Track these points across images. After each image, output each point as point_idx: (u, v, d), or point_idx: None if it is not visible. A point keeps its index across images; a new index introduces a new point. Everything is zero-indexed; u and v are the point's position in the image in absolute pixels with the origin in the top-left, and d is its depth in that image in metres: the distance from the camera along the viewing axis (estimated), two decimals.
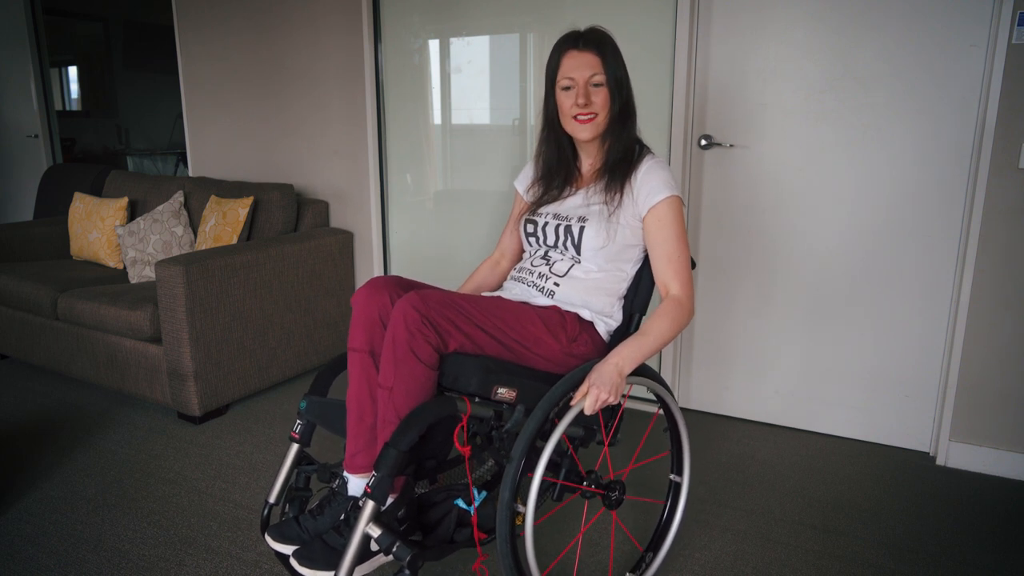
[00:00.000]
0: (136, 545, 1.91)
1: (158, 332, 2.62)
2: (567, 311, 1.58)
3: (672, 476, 1.76)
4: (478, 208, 3.06)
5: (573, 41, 1.57)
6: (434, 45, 3.01)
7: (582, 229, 1.59)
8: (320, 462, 1.61)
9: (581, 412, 1.40)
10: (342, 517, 1.44)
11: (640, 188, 1.56)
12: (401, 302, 1.37)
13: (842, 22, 2.30)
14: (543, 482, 1.36)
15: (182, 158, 5.72)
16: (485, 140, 2.99)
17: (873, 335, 2.45)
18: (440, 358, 1.40)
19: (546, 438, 1.38)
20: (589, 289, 1.60)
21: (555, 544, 1.90)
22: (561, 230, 1.62)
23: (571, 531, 1.97)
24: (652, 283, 1.63)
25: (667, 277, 1.55)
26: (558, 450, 1.47)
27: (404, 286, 1.52)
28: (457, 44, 2.96)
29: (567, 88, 1.58)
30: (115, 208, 3.31)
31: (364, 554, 1.32)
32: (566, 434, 1.51)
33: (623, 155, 1.60)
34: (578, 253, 1.61)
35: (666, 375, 2.75)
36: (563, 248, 1.63)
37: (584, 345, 1.56)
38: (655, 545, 1.77)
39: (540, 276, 1.63)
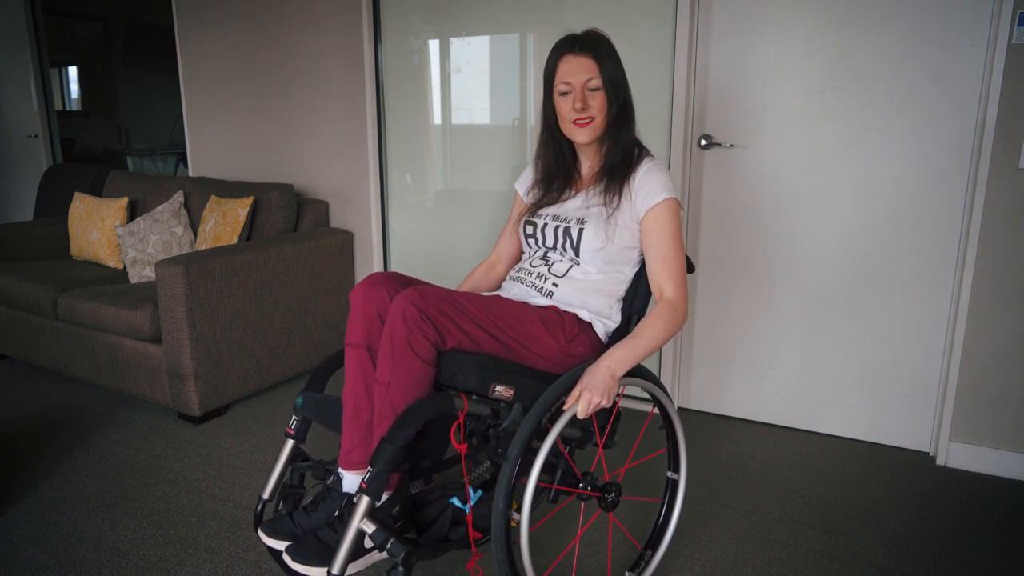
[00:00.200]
0: (136, 545, 1.91)
1: (158, 332, 2.62)
2: (565, 311, 1.58)
3: (669, 474, 1.76)
4: (478, 208, 3.06)
5: (569, 45, 1.57)
6: (434, 45, 3.02)
7: (581, 231, 1.59)
8: (315, 459, 1.61)
9: (575, 415, 1.40)
10: (336, 514, 1.43)
11: (638, 190, 1.57)
12: (400, 298, 1.37)
13: (842, 22, 2.30)
14: (538, 486, 1.35)
15: (182, 158, 5.72)
16: (485, 140, 2.99)
17: (873, 335, 2.45)
18: (438, 355, 1.40)
19: (542, 437, 1.38)
20: (587, 290, 1.60)
21: (553, 545, 1.90)
22: (560, 232, 1.63)
23: (569, 532, 1.97)
24: None
25: (661, 280, 1.55)
26: (553, 452, 1.47)
27: (403, 282, 1.52)
28: (457, 44, 2.96)
29: (564, 93, 1.58)
30: (115, 208, 3.31)
31: (358, 550, 1.31)
32: (563, 435, 1.51)
33: (622, 157, 1.60)
34: (577, 255, 1.61)
35: (666, 375, 2.75)
36: (562, 250, 1.63)
37: (582, 345, 1.56)
38: (654, 543, 1.77)
39: (539, 276, 1.64)
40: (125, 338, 2.71)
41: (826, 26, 2.32)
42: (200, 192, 3.28)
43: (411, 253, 3.28)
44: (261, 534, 1.45)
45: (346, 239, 3.23)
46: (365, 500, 1.27)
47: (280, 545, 1.42)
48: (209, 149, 3.73)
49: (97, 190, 3.78)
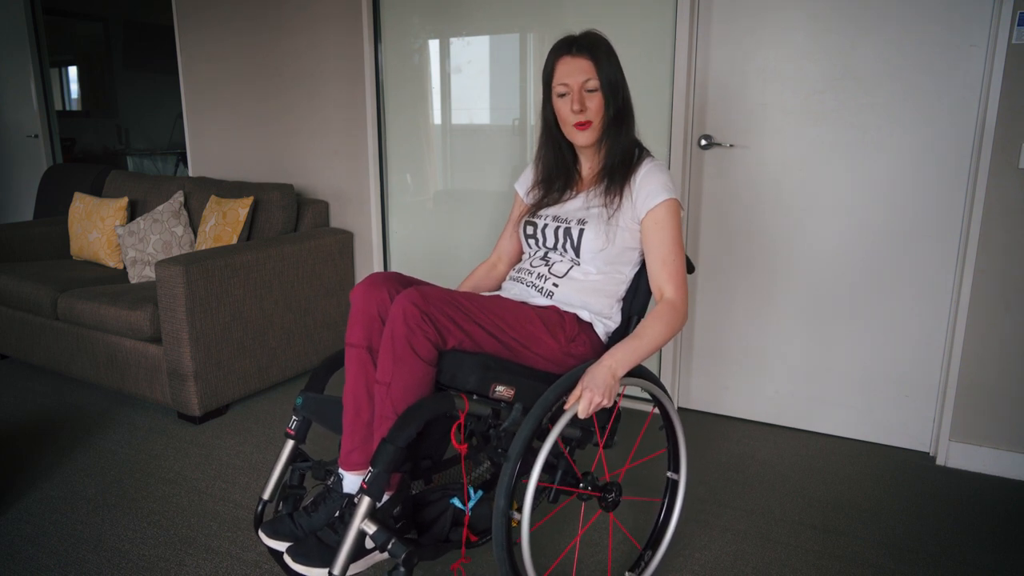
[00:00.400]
0: (136, 545, 1.91)
1: (158, 332, 2.62)
2: (566, 311, 1.58)
3: (669, 474, 1.76)
4: (478, 208, 3.06)
5: (567, 46, 1.57)
6: (434, 45, 3.02)
7: (581, 232, 1.59)
8: (315, 459, 1.61)
9: (576, 414, 1.40)
10: (336, 514, 1.43)
11: (639, 191, 1.57)
12: (400, 298, 1.37)
13: (842, 23, 2.30)
14: (539, 486, 1.35)
15: (182, 158, 5.72)
16: (485, 140, 2.99)
17: (873, 335, 2.45)
18: (439, 355, 1.40)
19: (543, 437, 1.38)
20: (588, 290, 1.60)
21: (554, 545, 1.90)
22: (560, 232, 1.63)
23: (569, 532, 1.97)
24: None
25: (662, 280, 1.55)
26: (554, 451, 1.47)
27: (403, 282, 1.52)
28: (457, 44, 2.96)
29: (562, 94, 1.58)
30: (115, 208, 3.31)
31: (359, 551, 1.31)
32: (563, 435, 1.51)
33: (622, 158, 1.61)
34: (577, 256, 1.61)
35: (666, 375, 2.75)
36: (562, 250, 1.63)
37: (582, 345, 1.56)
38: (654, 543, 1.77)
39: (539, 276, 1.64)
40: (125, 338, 2.71)
41: (826, 26, 2.32)
42: (200, 192, 3.28)
43: (411, 253, 3.28)
44: (262, 535, 1.45)
45: (346, 239, 3.23)
46: (366, 501, 1.27)
47: (281, 546, 1.42)
48: (209, 149, 3.73)
49: (97, 190, 3.78)
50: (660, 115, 2.58)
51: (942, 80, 2.21)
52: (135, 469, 2.33)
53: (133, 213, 3.42)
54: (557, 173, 1.70)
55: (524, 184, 1.80)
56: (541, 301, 1.60)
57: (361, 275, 3.34)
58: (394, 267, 3.33)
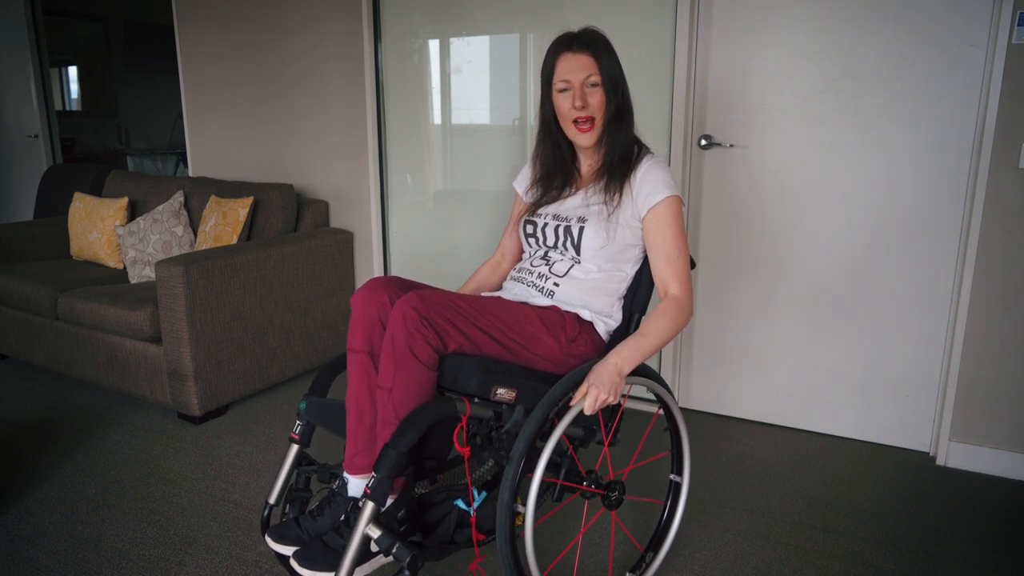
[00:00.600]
0: (136, 545, 1.91)
1: (158, 332, 2.62)
2: (566, 311, 1.58)
3: (672, 476, 1.76)
4: (478, 208, 3.06)
5: (567, 43, 1.57)
6: (434, 45, 3.01)
7: (581, 229, 1.59)
8: (320, 463, 1.61)
9: (581, 412, 1.40)
10: (342, 518, 1.44)
11: (639, 188, 1.56)
12: (400, 303, 1.37)
13: (842, 23, 2.30)
14: (543, 482, 1.36)
15: (182, 158, 5.72)
16: (485, 140, 2.99)
17: (873, 335, 2.45)
18: (439, 359, 1.40)
19: (546, 438, 1.38)
20: (589, 289, 1.60)
21: (555, 544, 1.90)
22: (561, 231, 1.62)
23: (571, 531, 1.97)
24: (652, 283, 1.63)
25: (666, 277, 1.55)
26: (558, 450, 1.47)
27: (403, 286, 1.52)
28: (457, 44, 2.96)
29: (563, 90, 1.58)
30: (115, 208, 3.31)
31: (364, 555, 1.32)
32: (566, 434, 1.51)
33: (622, 155, 1.60)
34: (578, 253, 1.60)
35: (666, 375, 2.75)
36: (563, 249, 1.63)
37: (583, 345, 1.56)
38: (655, 545, 1.77)
39: (540, 276, 1.63)
40: (125, 338, 2.71)
41: (826, 26, 2.32)
42: (200, 192, 3.28)
43: (411, 253, 3.27)
44: (269, 540, 1.46)
45: (346, 239, 3.23)
46: (370, 506, 1.28)
47: (287, 550, 1.42)
48: (209, 149, 3.73)
49: (97, 190, 3.78)
50: (660, 115, 2.58)
51: (942, 80, 2.21)
52: (135, 469, 2.33)
53: (133, 213, 3.42)
54: (556, 170, 1.69)
55: (523, 182, 1.80)
56: (542, 301, 1.60)
57: (361, 275, 3.34)
58: (394, 267, 3.33)
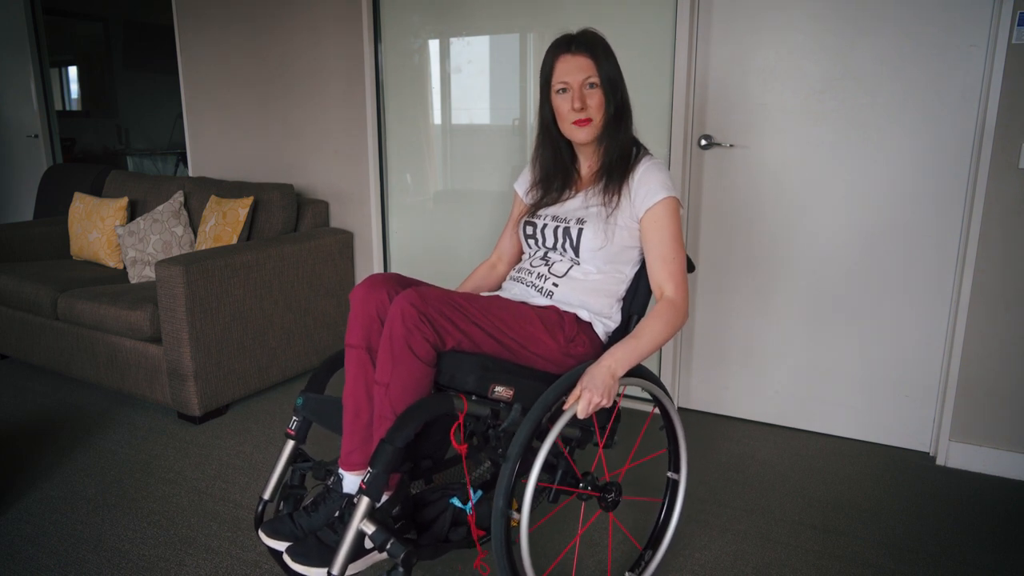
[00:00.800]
0: (136, 545, 1.91)
1: (158, 332, 2.62)
2: (565, 311, 1.58)
3: (669, 474, 1.76)
4: (478, 208, 3.06)
5: (566, 44, 1.57)
6: (434, 45, 3.02)
7: (580, 231, 1.59)
8: (315, 459, 1.61)
9: (575, 414, 1.40)
10: (336, 514, 1.44)
11: (637, 190, 1.57)
12: (399, 299, 1.37)
13: (842, 23, 2.30)
14: (538, 487, 1.35)
15: (182, 158, 5.72)
16: (485, 140, 2.99)
17: (873, 335, 2.45)
18: (437, 355, 1.40)
19: (543, 438, 1.38)
20: (588, 290, 1.60)
21: (554, 544, 1.90)
22: (560, 232, 1.63)
23: (569, 532, 1.97)
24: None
25: (662, 279, 1.55)
26: (554, 452, 1.46)
27: (403, 283, 1.52)
28: (457, 44, 2.96)
29: (562, 91, 1.58)
30: (115, 208, 3.32)
31: (358, 551, 1.32)
32: (563, 435, 1.51)
33: (620, 156, 1.60)
34: (577, 255, 1.61)
35: (666, 375, 2.75)
36: (562, 250, 1.63)
37: (582, 345, 1.56)
38: (654, 543, 1.77)
39: (539, 276, 1.64)
40: (125, 338, 2.71)
41: (826, 26, 2.32)
42: (200, 192, 3.28)
43: (411, 253, 3.27)
44: (262, 534, 1.45)
45: (346, 239, 3.23)
46: (365, 501, 1.27)
47: (280, 546, 1.42)
48: (209, 149, 3.73)
49: (97, 190, 3.78)
50: (660, 115, 2.58)
51: (942, 80, 2.21)
52: (135, 469, 2.33)
53: (133, 213, 3.42)
54: (555, 172, 1.70)
55: (523, 184, 1.80)
56: (541, 301, 1.60)
57: (361, 275, 3.34)
58: (394, 266, 3.33)
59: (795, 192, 2.47)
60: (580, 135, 1.59)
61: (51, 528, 1.99)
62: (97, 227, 3.32)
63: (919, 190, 2.30)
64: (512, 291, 1.67)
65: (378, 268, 3.31)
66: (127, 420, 2.70)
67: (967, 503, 2.13)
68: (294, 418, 1.60)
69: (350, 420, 1.49)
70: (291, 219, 3.12)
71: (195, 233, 3.21)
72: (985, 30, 2.13)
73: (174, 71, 3.75)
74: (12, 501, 2.13)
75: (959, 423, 2.32)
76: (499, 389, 1.43)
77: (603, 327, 1.62)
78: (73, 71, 6.04)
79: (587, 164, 1.69)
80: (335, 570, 1.27)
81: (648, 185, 1.55)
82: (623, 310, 1.66)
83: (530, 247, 1.71)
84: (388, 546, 1.27)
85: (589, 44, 1.56)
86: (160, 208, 3.16)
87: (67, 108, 6.08)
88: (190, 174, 3.80)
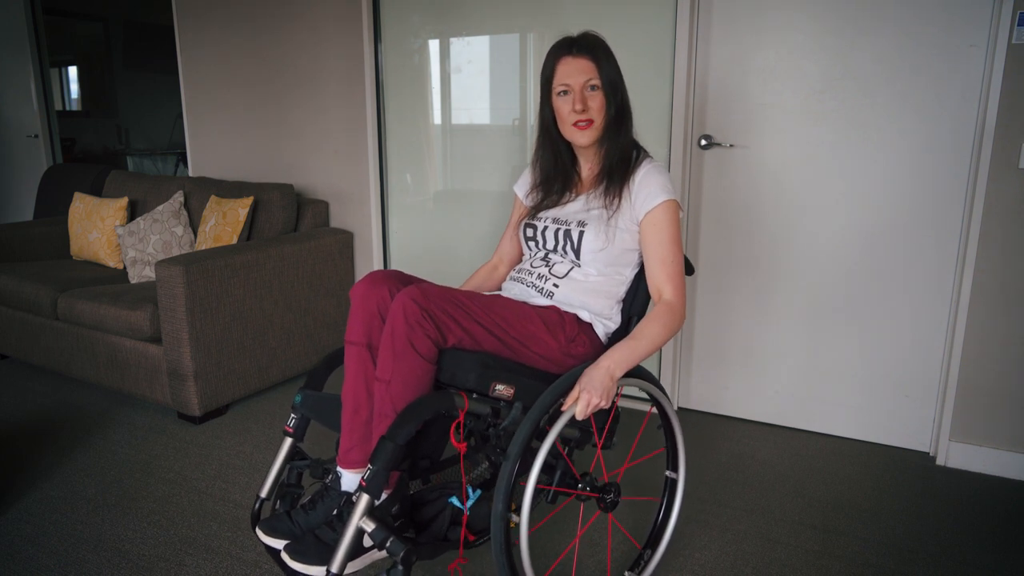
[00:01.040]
0: (136, 545, 1.91)
1: (158, 332, 2.62)
2: (566, 311, 1.58)
3: (668, 473, 1.76)
4: (478, 208, 3.06)
5: (567, 47, 1.58)
6: (434, 45, 3.02)
7: (581, 234, 1.59)
8: (313, 457, 1.61)
9: (574, 415, 1.40)
10: (335, 512, 1.43)
11: (637, 192, 1.57)
12: (401, 295, 1.37)
13: (842, 23, 2.30)
14: (537, 489, 1.35)
15: (182, 158, 5.72)
16: (485, 140, 2.99)
17: (873, 335, 2.45)
18: (439, 353, 1.40)
19: (542, 437, 1.38)
20: (588, 291, 1.60)
21: (553, 545, 1.90)
22: (560, 234, 1.63)
23: (569, 532, 1.97)
24: None
25: (660, 281, 1.55)
26: (552, 453, 1.46)
27: (404, 280, 1.52)
28: (457, 44, 2.96)
29: (563, 94, 1.58)
30: (115, 208, 3.32)
31: (357, 549, 1.31)
32: (562, 435, 1.51)
33: (621, 159, 1.61)
34: (577, 257, 1.61)
35: (666, 375, 2.75)
36: (563, 252, 1.63)
37: (582, 346, 1.56)
38: (653, 542, 1.77)
39: (539, 277, 1.64)
40: (125, 338, 2.71)
41: (826, 27, 2.32)
42: (200, 192, 3.28)
43: (411, 253, 3.28)
44: (259, 532, 1.45)
45: (346, 239, 3.23)
46: (365, 498, 1.27)
47: (278, 544, 1.41)
48: (209, 149, 3.73)
49: (97, 190, 3.78)
50: (660, 115, 2.58)
51: (942, 80, 2.21)
52: (135, 469, 2.33)
53: (133, 213, 3.42)
54: (555, 174, 1.70)
55: (523, 186, 1.80)
56: (541, 301, 1.60)
57: (361, 275, 3.34)
58: (394, 266, 3.33)
59: (795, 192, 2.47)
60: (581, 137, 1.59)
61: (51, 528, 1.99)
62: (97, 227, 3.32)
63: (919, 190, 2.30)
64: (512, 291, 1.67)
65: (378, 268, 3.31)
66: (127, 420, 2.70)
67: (967, 503, 2.13)
68: (292, 415, 1.59)
69: (349, 417, 1.49)
70: (291, 219, 3.12)
71: (195, 233, 3.21)
72: (985, 30, 2.13)
73: (174, 71, 3.75)
74: (12, 501, 2.13)
75: (959, 423, 2.32)
76: (500, 387, 1.43)
77: (603, 328, 1.62)
78: (73, 71, 6.04)
79: (587, 167, 1.69)
80: (334, 568, 1.27)
81: (648, 188, 1.56)
82: (623, 311, 1.66)
83: (530, 249, 1.71)
84: (388, 544, 1.26)
85: (590, 46, 1.56)
86: (160, 208, 3.16)
87: (67, 108, 6.08)
88: (190, 174, 3.80)
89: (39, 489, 2.20)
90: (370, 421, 1.47)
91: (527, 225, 1.70)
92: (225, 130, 3.64)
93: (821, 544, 1.92)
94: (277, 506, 1.60)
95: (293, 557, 1.34)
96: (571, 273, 1.61)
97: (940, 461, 2.36)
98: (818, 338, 2.53)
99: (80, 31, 5.95)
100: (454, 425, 1.37)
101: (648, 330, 1.49)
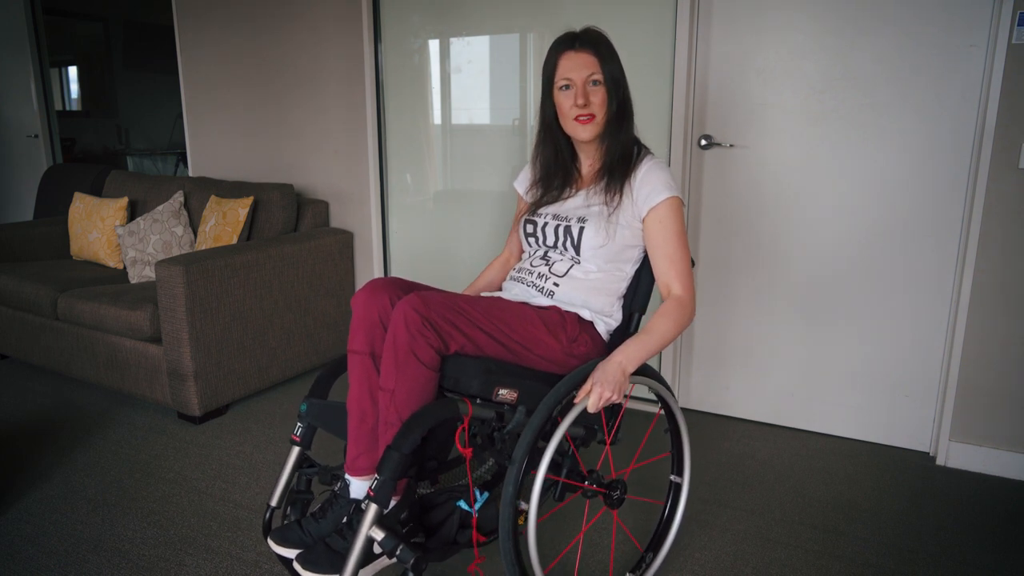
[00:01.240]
0: (136, 545, 1.91)
1: (158, 332, 2.62)
2: (567, 311, 1.58)
3: (672, 477, 1.76)
4: (478, 208, 3.06)
5: (570, 42, 1.58)
6: (434, 45, 3.01)
7: (581, 230, 1.59)
8: (321, 465, 1.61)
9: (583, 411, 1.40)
10: (344, 520, 1.44)
11: (640, 189, 1.57)
12: (402, 304, 1.37)
13: (842, 23, 2.30)
14: (545, 481, 1.36)
15: (182, 158, 5.72)
16: (485, 140, 2.99)
17: (873, 335, 2.45)
18: (441, 360, 1.40)
19: (548, 438, 1.38)
20: (588, 289, 1.60)
21: (556, 543, 1.90)
22: (560, 230, 1.63)
23: (572, 530, 1.97)
24: (651, 282, 1.63)
25: (669, 277, 1.55)
26: (560, 449, 1.47)
27: (404, 288, 1.52)
28: (457, 44, 2.96)
29: (565, 88, 1.58)
30: (115, 208, 3.31)
31: (367, 557, 1.32)
32: (568, 433, 1.51)
33: (622, 155, 1.61)
34: (577, 253, 1.61)
35: (666, 375, 2.75)
36: (562, 248, 1.63)
37: (584, 345, 1.57)
38: (655, 545, 1.77)
39: (540, 276, 1.64)
40: (125, 338, 2.71)
41: (826, 26, 2.32)
42: (200, 192, 3.28)
43: (411, 253, 3.27)
44: (271, 543, 1.46)
45: (346, 239, 3.23)
46: (373, 508, 1.28)
47: (290, 553, 1.42)
48: (209, 149, 3.73)
49: (97, 190, 3.78)
50: (660, 115, 2.58)
51: (942, 80, 2.21)
52: (135, 469, 2.33)
53: (133, 213, 3.42)
54: (555, 170, 1.70)
55: (523, 183, 1.80)
56: (542, 301, 1.60)
57: (361, 275, 3.34)
58: (394, 267, 3.33)
59: (795, 192, 2.47)
60: (582, 132, 1.59)
61: (51, 528, 1.99)
62: (97, 227, 3.32)
63: (919, 190, 2.30)
64: (513, 291, 1.67)
65: (378, 268, 3.31)
66: (127, 420, 2.70)
67: (967, 503, 2.13)
68: (299, 424, 1.60)
69: (355, 425, 1.49)
70: (291, 219, 3.12)
71: (195, 233, 3.20)
72: (985, 30, 2.13)
73: (174, 71, 3.74)
74: (12, 501, 2.13)
75: (959, 423, 2.32)
76: (503, 392, 1.43)
77: (605, 326, 1.62)
78: (73, 71, 6.04)
79: (588, 162, 1.69)
80: None
81: (651, 185, 1.56)
82: (624, 308, 1.66)
83: (530, 245, 1.71)
84: (398, 552, 1.27)
85: (593, 42, 1.56)
86: (160, 208, 3.16)
87: (67, 108, 6.08)
88: (190, 174, 3.80)
89: (39, 489, 2.20)
90: (376, 429, 1.47)
91: (527, 221, 1.70)
92: (225, 130, 3.64)
93: (821, 544, 1.92)
94: (288, 513, 1.60)
95: (306, 567, 1.35)
96: (571, 271, 1.61)
97: (940, 461, 2.36)
98: (818, 338, 2.53)
99: (80, 31, 5.95)
100: (459, 431, 1.38)
101: (659, 325, 1.49)
